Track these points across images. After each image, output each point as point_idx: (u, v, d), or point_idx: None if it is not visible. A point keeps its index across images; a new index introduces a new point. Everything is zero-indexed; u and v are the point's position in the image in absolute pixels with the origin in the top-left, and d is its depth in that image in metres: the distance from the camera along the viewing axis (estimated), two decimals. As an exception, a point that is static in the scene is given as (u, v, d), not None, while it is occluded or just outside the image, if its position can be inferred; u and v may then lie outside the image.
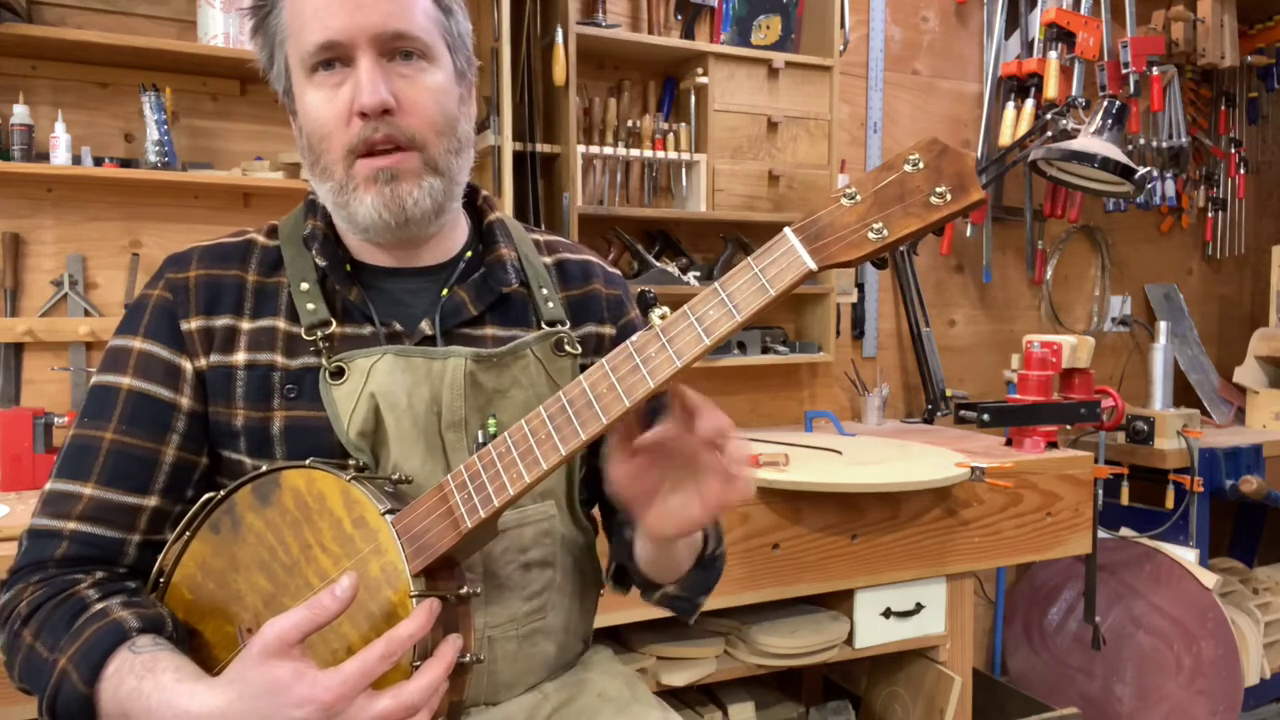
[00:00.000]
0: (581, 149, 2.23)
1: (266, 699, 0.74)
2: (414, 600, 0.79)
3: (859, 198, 0.74)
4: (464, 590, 0.84)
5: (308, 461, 0.88)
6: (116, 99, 2.00)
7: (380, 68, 0.89)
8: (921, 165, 0.73)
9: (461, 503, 0.81)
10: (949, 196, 0.72)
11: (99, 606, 0.86)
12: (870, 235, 0.73)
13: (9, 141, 1.85)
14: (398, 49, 0.90)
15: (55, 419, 1.87)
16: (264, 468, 0.89)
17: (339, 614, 0.77)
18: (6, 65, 1.90)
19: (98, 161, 1.92)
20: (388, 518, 0.83)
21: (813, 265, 0.74)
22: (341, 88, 0.89)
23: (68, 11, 1.95)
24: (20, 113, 1.85)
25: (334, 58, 0.89)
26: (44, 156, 1.89)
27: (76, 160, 1.89)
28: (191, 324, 0.94)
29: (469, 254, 1.04)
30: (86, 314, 1.98)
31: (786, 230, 0.75)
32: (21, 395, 1.95)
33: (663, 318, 0.77)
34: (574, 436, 0.79)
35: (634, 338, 0.78)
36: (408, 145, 0.91)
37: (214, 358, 0.94)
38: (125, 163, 1.95)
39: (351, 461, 0.90)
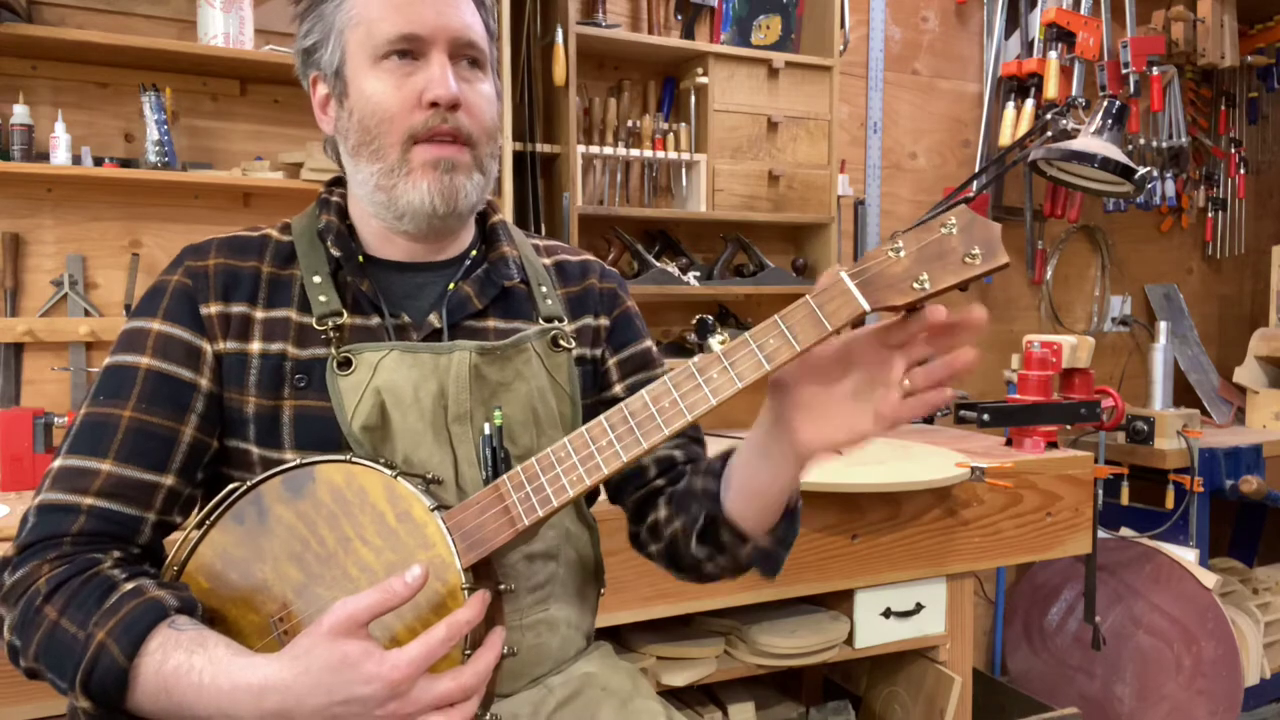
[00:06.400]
0: (581, 149, 2.23)
1: (334, 674, 0.76)
2: (465, 592, 0.84)
3: (904, 253, 0.83)
4: (502, 586, 0.89)
5: (347, 456, 0.90)
6: (116, 99, 2.00)
7: (449, 67, 0.95)
8: (956, 230, 0.83)
9: (519, 502, 0.87)
10: (980, 259, 0.82)
11: (130, 585, 0.85)
12: (915, 286, 0.83)
13: (9, 141, 1.85)
14: (465, 55, 0.97)
15: (55, 419, 1.87)
16: (296, 460, 0.90)
17: (408, 599, 0.80)
18: (6, 65, 1.90)
19: (98, 161, 1.92)
20: (437, 514, 0.86)
21: (866, 307, 0.82)
22: (412, 77, 0.95)
23: (68, 11, 1.95)
24: (20, 113, 1.85)
25: (409, 50, 0.95)
26: (44, 156, 1.89)
27: (76, 160, 1.89)
28: (211, 309, 0.96)
29: (474, 252, 1.07)
30: (86, 314, 1.98)
31: (842, 274, 0.84)
32: (21, 395, 1.95)
33: (722, 343, 0.85)
34: (635, 444, 0.85)
35: (695, 359, 0.85)
36: (465, 141, 0.97)
37: (231, 343, 0.96)
38: (125, 163, 1.95)
39: (382, 459, 0.91)
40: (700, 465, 1.04)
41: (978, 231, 0.83)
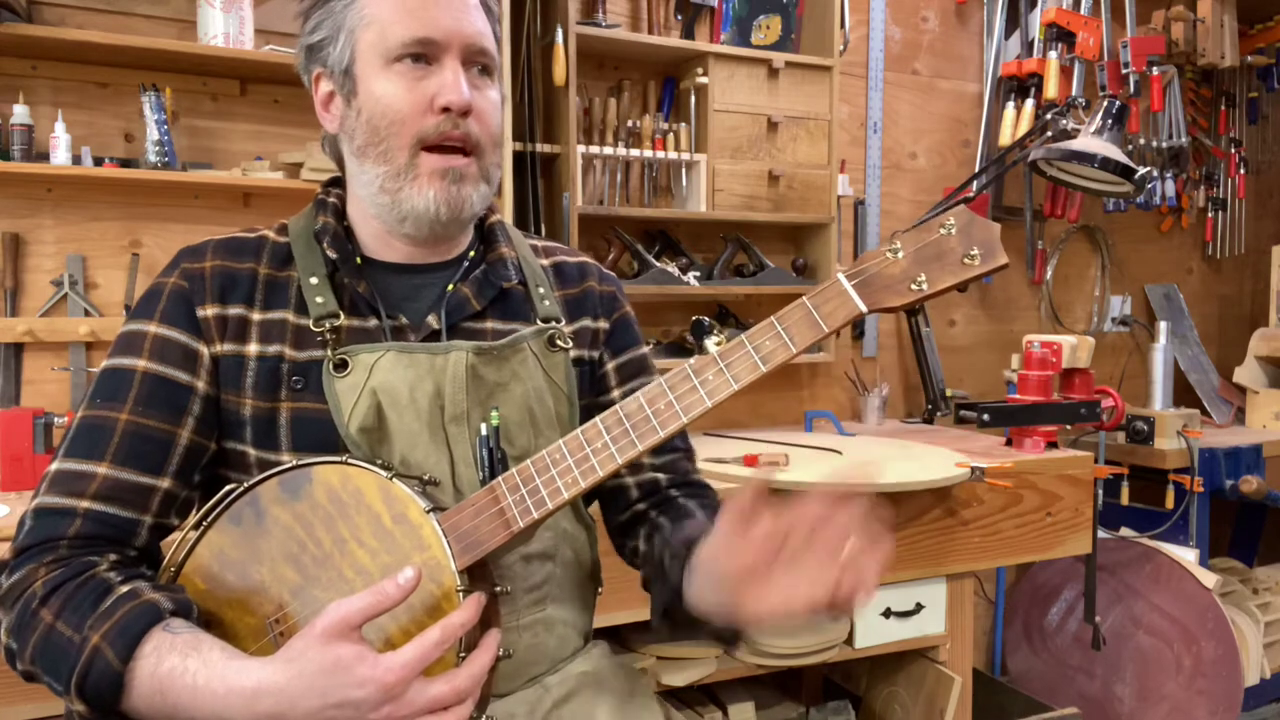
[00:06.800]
0: (581, 149, 2.23)
1: (328, 677, 0.76)
2: (460, 594, 0.83)
3: (902, 254, 0.84)
4: (498, 588, 0.89)
5: (343, 458, 0.90)
6: (116, 99, 1.99)
7: (462, 73, 0.96)
8: (955, 231, 0.84)
9: (514, 504, 0.87)
10: (979, 260, 0.83)
11: (126, 588, 0.85)
12: (913, 287, 0.83)
13: (9, 141, 1.85)
14: (476, 62, 0.98)
15: (55, 419, 1.87)
16: (293, 462, 0.90)
17: (400, 602, 0.79)
18: (6, 65, 1.90)
19: (98, 161, 1.92)
20: (432, 515, 0.86)
21: (864, 308, 0.83)
22: (424, 81, 0.95)
23: (68, 11, 1.95)
24: (20, 113, 1.85)
25: (423, 54, 0.95)
26: (44, 156, 1.88)
27: (76, 160, 1.89)
28: (208, 311, 0.96)
29: (472, 253, 1.07)
30: (86, 314, 1.98)
31: (839, 275, 0.84)
32: (21, 395, 1.95)
33: (718, 344, 0.85)
34: (630, 447, 0.85)
35: (691, 361, 0.85)
36: (473, 149, 0.97)
37: (228, 345, 0.96)
38: (125, 163, 1.95)
39: (378, 461, 0.91)
40: (675, 535, 1.00)
41: (976, 232, 0.83)
